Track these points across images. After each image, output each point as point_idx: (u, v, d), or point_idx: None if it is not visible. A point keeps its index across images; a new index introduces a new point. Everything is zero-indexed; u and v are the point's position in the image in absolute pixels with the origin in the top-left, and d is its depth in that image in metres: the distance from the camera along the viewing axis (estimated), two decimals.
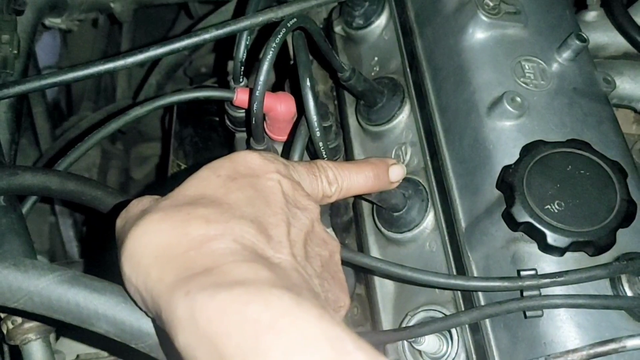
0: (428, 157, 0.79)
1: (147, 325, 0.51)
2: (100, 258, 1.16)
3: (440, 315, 0.71)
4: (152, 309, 0.47)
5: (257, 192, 0.54)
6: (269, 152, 0.58)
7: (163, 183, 1.29)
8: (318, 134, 0.67)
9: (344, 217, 0.87)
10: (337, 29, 0.96)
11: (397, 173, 0.71)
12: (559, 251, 0.63)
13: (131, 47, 1.63)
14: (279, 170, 0.56)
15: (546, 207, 0.64)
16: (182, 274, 0.46)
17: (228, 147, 0.91)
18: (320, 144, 0.68)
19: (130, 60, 0.71)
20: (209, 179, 0.54)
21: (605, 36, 0.95)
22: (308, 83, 0.67)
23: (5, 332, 0.69)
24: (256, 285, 0.44)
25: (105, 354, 0.85)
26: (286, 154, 0.80)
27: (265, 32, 0.84)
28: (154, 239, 0.49)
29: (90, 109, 1.53)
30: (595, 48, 0.93)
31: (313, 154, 0.70)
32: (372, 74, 0.90)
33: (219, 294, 0.44)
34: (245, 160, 0.56)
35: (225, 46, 1.34)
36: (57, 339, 0.85)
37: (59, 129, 1.48)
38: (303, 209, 0.56)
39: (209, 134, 1.14)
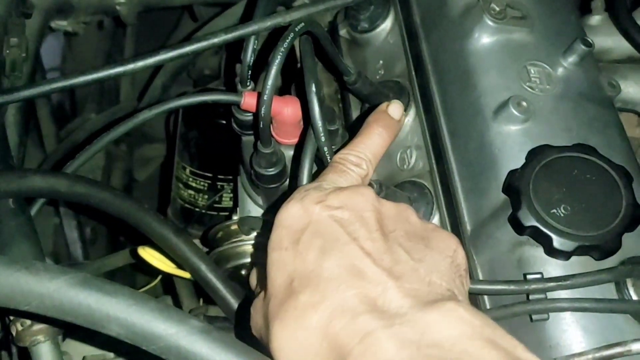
0: (433, 161, 0.79)
1: (158, 328, 0.51)
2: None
3: None
4: None
5: (321, 235, 0.56)
6: (299, 190, 0.60)
7: (167, 185, 1.29)
8: (323, 139, 0.68)
9: None
10: (342, 32, 0.96)
11: (396, 110, 0.71)
12: (565, 255, 0.64)
13: (135, 49, 1.64)
14: (318, 199, 0.58)
15: (552, 211, 0.64)
16: None
17: (234, 150, 0.92)
18: (325, 148, 0.69)
19: (140, 64, 0.72)
20: (281, 259, 0.57)
21: (609, 40, 0.95)
22: (313, 89, 0.68)
23: (14, 333, 0.69)
24: None
25: (112, 355, 0.86)
26: (297, 157, 0.81)
27: (272, 36, 0.84)
28: (289, 345, 0.53)
29: (94, 111, 1.53)
30: (600, 52, 0.94)
31: (319, 158, 0.71)
32: (377, 77, 0.91)
33: None
34: (291, 215, 0.58)
35: (230, 49, 1.34)
36: (63, 340, 0.85)
37: (63, 130, 1.49)
38: (360, 203, 0.58)
39: (215, 136, 1.14)
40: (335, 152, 0.67)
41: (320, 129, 0.68)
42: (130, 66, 0.72)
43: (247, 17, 1.18)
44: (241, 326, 0.63)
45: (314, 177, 0.67)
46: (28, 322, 0.69)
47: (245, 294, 0.84)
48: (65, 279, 0.52)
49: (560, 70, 0.76)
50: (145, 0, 1.32)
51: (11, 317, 0.70)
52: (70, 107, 1.62)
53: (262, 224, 0.90)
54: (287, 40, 0.70)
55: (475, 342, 0.48)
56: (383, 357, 0.48)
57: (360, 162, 0.65)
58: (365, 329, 0.49)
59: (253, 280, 0.72)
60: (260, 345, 0.59)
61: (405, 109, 0.84)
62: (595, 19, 0.96)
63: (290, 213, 0.58)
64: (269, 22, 0.76)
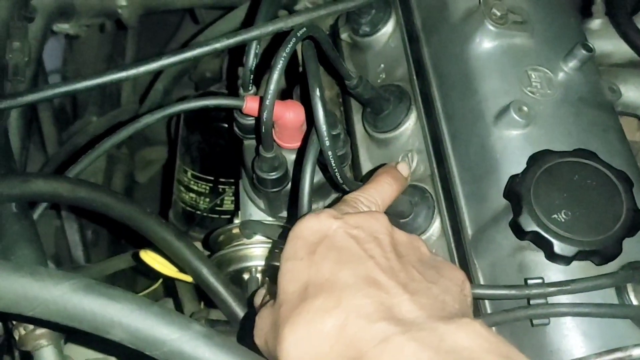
0: (434, 165, 0.79)
1: (161, 333, 0.52)
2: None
3: None
4: None
5: (337, 248, 0.57)
6: (316, 213, 0.61)
7: (169, 187, 1.29)
8: (327, 143, 0.68)
9: None
10: (344, 36, 0.96)
11: (405, 169, 0.76)
12: (566, 260, 0.64)
13: (136, 51, 1.64)
14: (335, 216, 0.60)
15: (553, 216, 0.64)
16: None
17: (235, 154, 0.92)
18: (330, 152, 0.69)
19: (142, 69, 0.72)
20: (296, 268, 0.57)
21: (610, 44, 0.95)
22: (318, 93, 0.68)
23: (17, 338, 0.70)
24: None
25: (113, 358, 0.86)
26: (299, 161, 0.81)
27: (275, 39, 0.85)
28: (300, 348, 0.53)
29: (96, 114, 1.53)
30: (600, 56, 0.94)
31: (322, 162, 0.71)
32: (379, 81, 0.91)
33: None
34: (308, 228, 0.59)
35: (233, 52, 1.34)
36: (64, 344, 0.85)
37: (65, 133, 1.49)
38: (375, 225, 0.60)
39: (216, 140, 1.14)
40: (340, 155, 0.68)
41: (325, 133, 0.68)
42: (133, 71, 0.72)
43: (249, 21, 1.19)
44: (243, 338, 0.63)
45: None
46: (31, 326, 0.69)
47: (248, 310, 0.84)
48: (69, 284, 0.52)
49: (561, 75, 0.76)
50: (147, 3, 1.32)
51: (14, 322, 0.70)
52: (71, 109, 1.63)
53: (263, 227, 0.90)
54: (289, 45, 0.71)
55: (492, 357, 0.49)
56: (402, 358, 0.49)
57: (370, 205, 0.67)
58: (383, 333, 0.50)
59: (258, 299, 0.72)
60: (262, 355, 0.59)
61: (407, 113, 0.84)
62: (595, 23, 0.96)
63: (307, 226, 0.59)
64: (271, 27, 0.77)
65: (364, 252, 0.57)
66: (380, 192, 0.69)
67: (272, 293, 0.62)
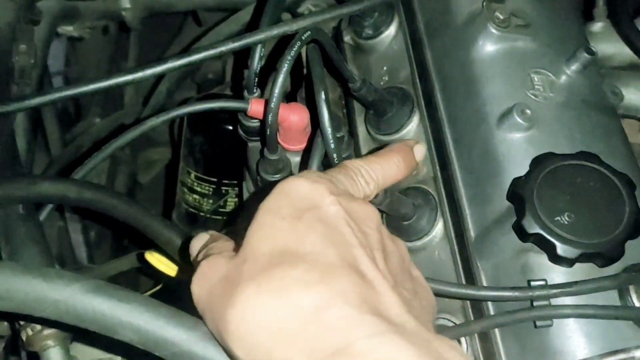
0: (437, 167, 0.80)
1: (170, 334, 0.52)
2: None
3: (450, 323, 0.72)
4: None
5: (326, 224, 0.51)
6: (310, 172, 0.56)
7: (172, 188, 1.30)
8: (332, 146, 0.69)
9: None
10: (347, 38, 0.97)
11: (421, 152, 0.72)
12: (569, 262, 0.64)
13: (139, 53, 1.64)
14: (332, 190, 0.53)
15: (556, 218, 0.65)
16: (315, 356, 0.44)
17: (240, 156, 0.93)
18: (334, 155, 0.69)
19: (147, 72, 0.72)
20: (275, 226, 0.50)
21: (611, 47, 0.96)
22: (323, 96, 0.69)
23: (24, 338, 0.70)
24: None
25: (119, 358, 0.86)
26: (304, 163, 0.82)
27: (279, 42, 0.85)
28: (260, 316, 0.46)
29: (99, 115, 1.54)
30: (602, 59, 0.94)
31: (326, 164, 0.72)
32: (382, 83, 0.91)
33: None
34: (298, 190, 0.52)
35: (237, 54, 1.35)
36: (70, 344, 0.86)
37: (68, 134, 1.49)
38: (366, 218, 0.54)
39: (220, 142, 1.14)
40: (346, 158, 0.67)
41: (330, 135, 0.69)
42: (139, 74, 0.73)
43: (252, 23, 1.20)
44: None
45: None
46: (38, 327, 0.70)
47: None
48: (79, 285, 0.52)
49: (563, 78, 0.77)
50: (150, 5, 1.32)
51: (21, 322, 0.71)
52: (74, 111, 1.63)
53: None
54: (294, 49, 0.71)
55: None
56: (401, 357, 0.44)
57: (369, 181, 0.62)
58: (377, 327, 0.45)
59: (198, 242, 0.61)
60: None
61: (409, 116, 0.85)
62: (597, 26, 0.97)
63: (298, 187, 0.53)
64: (276, 31, 0.77)
65: (354, 239, 0.51)
66: (385, 170, 0.64)
67: (222, 247, 0.55)
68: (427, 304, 0.57)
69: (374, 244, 0.53)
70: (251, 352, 0.46)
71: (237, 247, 0.52)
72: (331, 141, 0.68)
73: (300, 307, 0.46)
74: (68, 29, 1.22)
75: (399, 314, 0.48)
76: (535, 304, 0.64)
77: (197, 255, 0.59)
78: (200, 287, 0.51)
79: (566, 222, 0.65)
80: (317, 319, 0.45)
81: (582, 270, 0.65)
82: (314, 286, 0.46)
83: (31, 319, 0.68)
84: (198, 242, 0.60)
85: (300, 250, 0.49)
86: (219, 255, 0.53)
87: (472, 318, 0.70)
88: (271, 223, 0.51)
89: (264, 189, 0.56)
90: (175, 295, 0.58)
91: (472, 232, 0.73)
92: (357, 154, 0.90)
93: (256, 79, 0.80)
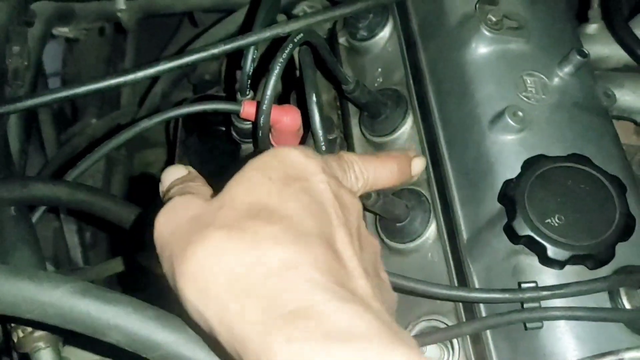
0: (431, 169, 0.80)
1: (158, 336, 0.52)
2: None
3: (442, 325, 0.72)
4: (229, 345, 0.44)
5: (312, 198, 0.50)
6: (306, 147, 0.56)
7: None
8: (323, 148, 0.69)
9: None
10: (341, 40, 0.97)
11: (419, 167, 0.71)
12: (559, 264, 0.64)
13: (135, 54, 1.64)
14: (324, 169, 0.53)
15: (547, 221, 0.65)
16: (271, 313, 0.42)
17: (233, 157, 0.93)
18: None
19: (140, 74, 0.73)
20: (260, 184, 0.49)
21: (606, 49, 0.96)
22: (314, 99, 0.69)
23: (15, 340, 0.70)
24: (372, 341, 0.41)
25: None
26: None
27: (272, 43, 0.85)
28: (222, 261, 0.44)
29: (95, 116, 1.53)
30: (596, 60, 0.95)
31: None
32: (376, 84, 0.91)
33: (333, 349, 0.40)
34: (291, 159, 0.52)
35: (231, 55, 1.35)
36: (62, 346, 0.86)
37: (64, 135, 1.49)
38: (350, 206, 0.54)
39: (214, 143, 1.14)
40: None
41: (321, 138, 0.69)
42: (131, 76, 0.73)
43: (247, 24, 1.19)
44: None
45: None
46: (29, 329, 0.70)
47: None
48: (66, 287, 0.52)
49: (556, 80, 0.77)
50: (146, 6, 1.32)
51: (12, 324, 0.71)
52: (70, 111, 1.63)
53: None
54: (286, 51, 0.71)
55: None
56: (371, 328, 0.42)
57: (359, 177, 0.62)
58: (339, 294, 0.43)
59: (172, 174, 0.58)
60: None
61: (403, 117, 0.85)
62: (591, 28, 0.97)
63: (292, 157, 0.52)
64: (269, 33, 0.77)
65: (336, 219, 0.50)
66: (378, 172, 0.64)
67: (199, 189, 0.54)
68: (389, 307, 0.56)
69: (353, 231, 0.52)
70: (202, 296, 0.44)
71: (215, 195, 0.51)
72: (322, 143, 0.68)
73: (265, 262, 0.44)
74: (64, 31, 1.22)
75: (367, 295, 0.47)
76: (525, 306, 0.64)
77: (169, 188, 0.57)
78: (166, 220, 0.49)
79: (557, 225, 0.65)
80: (280, 275, 0.44)
81: (573, 273, 0.65)
82: (285, 245, 0.45)
83: (22, 321, 0.68)
84: (172, 174, 0.58)
85: (280, 212, 0.48)
86: (195, 195, 0.52)
87: (464, 320, 0.70)
88: (257, 180, 0.50)
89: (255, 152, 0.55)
90: (164, 297, 0.57)
91: (464, 234, 0.73)
92: None
93: (249, 81, 0.81)
